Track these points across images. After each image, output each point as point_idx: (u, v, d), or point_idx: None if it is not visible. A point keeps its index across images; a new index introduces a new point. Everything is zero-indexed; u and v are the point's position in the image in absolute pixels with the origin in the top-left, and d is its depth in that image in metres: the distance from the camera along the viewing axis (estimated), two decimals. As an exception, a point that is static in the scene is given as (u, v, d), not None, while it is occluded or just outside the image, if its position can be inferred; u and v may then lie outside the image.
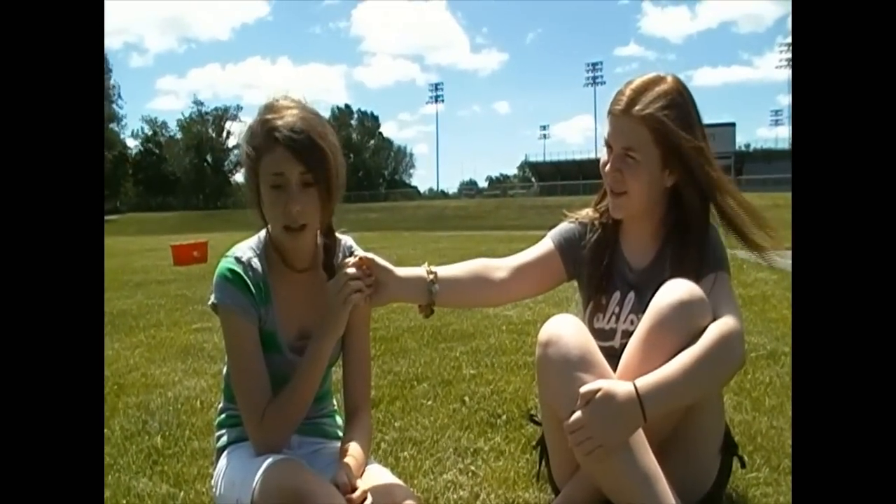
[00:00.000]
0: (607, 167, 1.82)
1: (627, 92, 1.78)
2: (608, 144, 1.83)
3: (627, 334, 1.79)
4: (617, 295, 1.90)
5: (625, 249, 1.93)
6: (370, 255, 1.73)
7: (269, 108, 1.68)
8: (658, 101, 1.75)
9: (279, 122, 1.62)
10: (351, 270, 1.67)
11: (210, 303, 1.72)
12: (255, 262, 1.72)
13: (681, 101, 1.79)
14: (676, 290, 1.66)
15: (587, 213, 1.99)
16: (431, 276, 1.79)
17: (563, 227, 2.00)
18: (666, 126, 1.74)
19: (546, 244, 1.98)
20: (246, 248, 1.74)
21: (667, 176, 1.80)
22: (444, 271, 1.84)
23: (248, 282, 1.69)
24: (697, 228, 1.81)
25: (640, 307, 1.81)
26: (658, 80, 1.79)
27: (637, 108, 1.75)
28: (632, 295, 1.88)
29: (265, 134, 1.63)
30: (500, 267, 1.92)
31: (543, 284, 1.99)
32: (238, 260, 1.71)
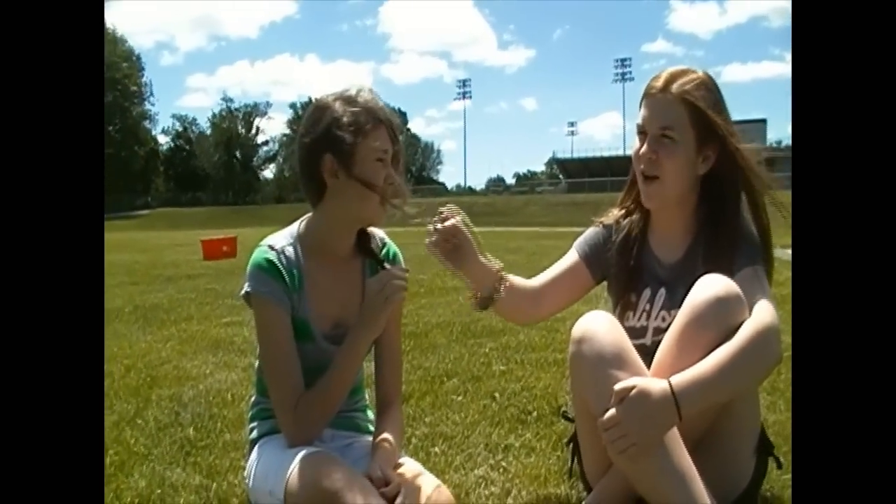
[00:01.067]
0: (641, 151, 1.80)
1: (663, 75, 1.81)
2: (642, 131, 1.81)
3: (659, 331, 1.77)
4: (647, 292, 1.88)
5: (653, 245, 1.92)
6: (462, 222, 1.88)
7: (359, 92, 1.74)
8: (693, 83, 1.78)
9: (381, 104, 1.73)
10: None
11: (243, 292, 1.73)
12: (289, 250, 1.75)
13: (714, 88, 1.81)
14: (712, 286, 1.63)
15: (613, 213, 1.98)
16: (503, 277, 1.93)
17: (588, 233, 2.02)
18: (702, 106, 1.75)
19: (572, 255, 2.01)
20: (279, 238, 1.77)
21: (700, 162, 1.79)
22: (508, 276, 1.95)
23: (282, 269, 1.71)
24: (731, 221, 1.79)
25: (672, 303, 1.79)
26: (690, 70, 1.82)
27: (674, 87, 1.77)
28: (662, 291, 1.86)
29: (369, 113, 1.70)
30: (532, 285, 2.01)
31: (574, 295, 2.04)
32: (271, 247, 1.74)
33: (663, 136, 1.77)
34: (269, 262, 1.71)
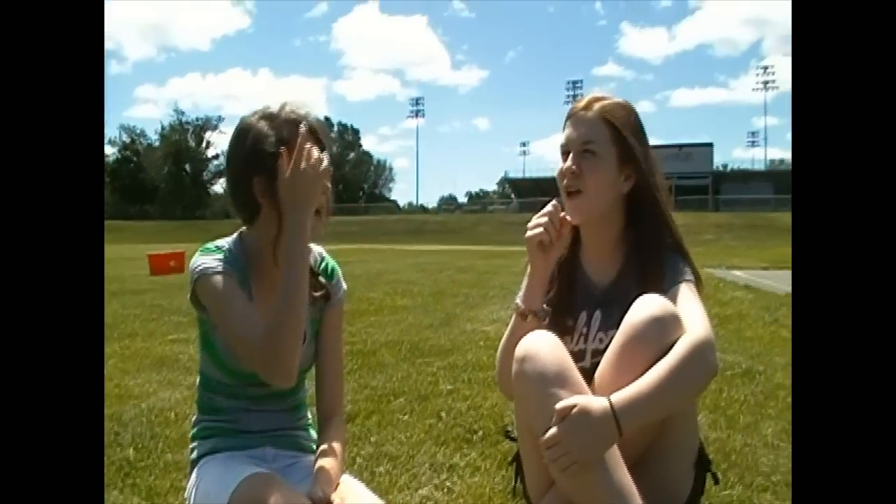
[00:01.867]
0: (564, 166, 1.86)
1: (586, 98, 1.90)
2: (565, 151, 1.87)
3: (597, 353, 1.80)
4: (583, 315, 1.91)
5: (586, 267, 1.95)
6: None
7: (282, 107, 1.71)
8: (616, 107, 1.86)
9: (304, 115, 1.69)
10: (550, 208, 1.79)
11: (190, 291, 1.69)
12: (234, 254, 1.72)
13: (634, 114, 1.89)
14: (649, 306, 1.67)
15: None
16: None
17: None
18: (622, 128, 1.83)
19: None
20: (221, 242, 1.75)
21: (623, 181, 1.85)
22: None
23: (229, 261, 1.69)
24: (657, 240, 1.85)
25: (607, 324, 1.82)
26: (613, 96, 1.90)
27: (596, 107, 1.85)
28: (598, 313, 1.89)
29: (291, 127, 1.65)
30: None
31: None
32: (218, 247, 1.71)
33: (585, 150, 1.83)
34: (216, 248, 1.70)
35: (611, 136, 1.82)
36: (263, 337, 1.58)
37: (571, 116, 1.88)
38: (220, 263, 1.67)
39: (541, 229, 1.82)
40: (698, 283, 1.84)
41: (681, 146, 70.37)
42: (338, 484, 1.67)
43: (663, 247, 1.85)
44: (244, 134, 1.69)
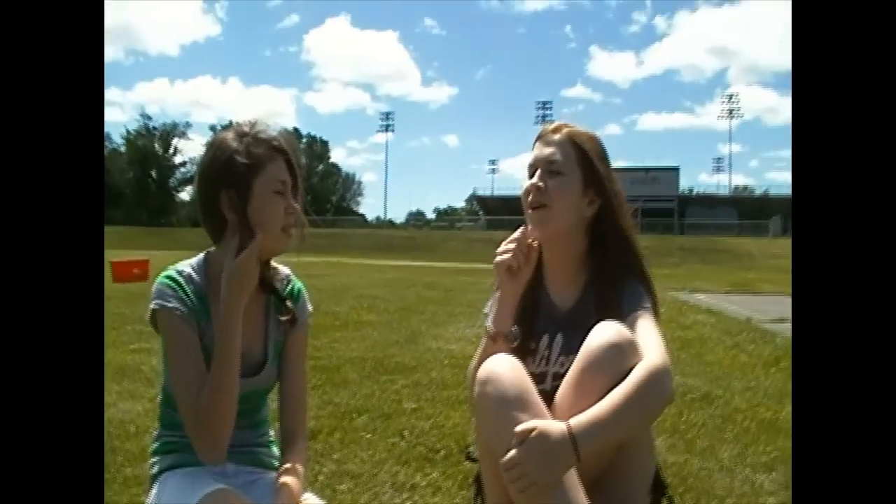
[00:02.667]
0: (530, 182, 1.91)
1: (555, 123, 1.96)
2: (532, 170, 1.93)
3: (558, 376, 1.83)
4: (545, 338, 1.95)
5: (549, 289, 1.99)
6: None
7: (253, 125, 1.74)
8: (584, 134, 1.93)
9: (275, 135, 1.74)
10: (518, 234, 1.85)
11: (149, 313, 1.69)
12: (196, 277, 1.73)
13: (601, 145, 1.96)
14: (606, 333, 1.71)
15: None
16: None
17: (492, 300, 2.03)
18: (588, 151, 1.90)
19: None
20: (185, 265, 1.76)
21: (586, 205, 1.90)
22: None
23: (188, 292, 1.70)
24: (618, 266, 1.89)
25: (569, 348, 1.85)
26: (578, 127, 1.96)
27: (565, 130, 1.92)
28: (559, 337, 1.93)
29: (267, 146, 1.71)
30: None
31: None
32: (179, 273, 1.72)
33: (552, 170, 1.89)
34: (176, 281, 1.70)
35: (577, 158, 1.88)
36: (196, 412, 1.62)
37: (540, 138, 1.94)
38: (178, 305, 1.67)
39: (509, 255, 1.86)
40: (656, 310, 1.88)
41: (647, 169, 71.23)
42: (299, 502, 1.68)
43: (625, 273, 1.89)
44: (215, 148, 1.72)
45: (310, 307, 1.87)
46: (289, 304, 1.80)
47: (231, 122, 1.80)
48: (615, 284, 1.87)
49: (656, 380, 1.65)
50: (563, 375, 1.78)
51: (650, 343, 1.73)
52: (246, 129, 1.74)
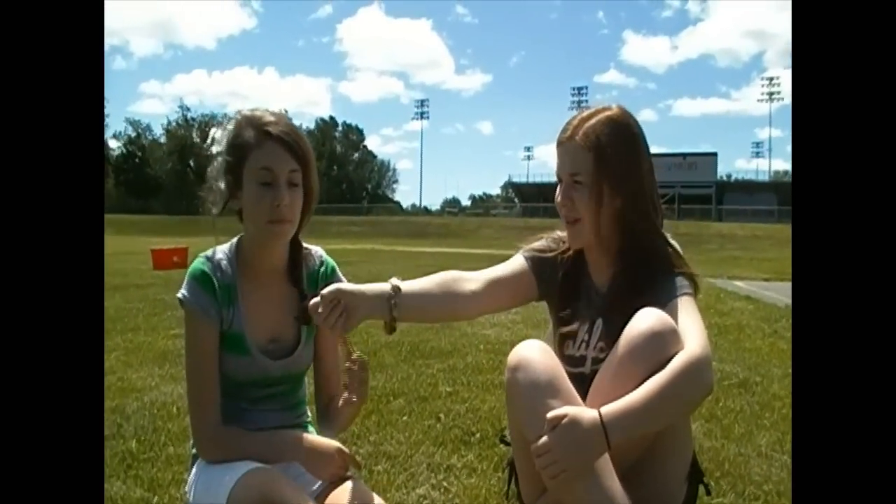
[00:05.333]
0: (558, 199, 1.89)
1: (574, 122, 1.87)
2: (559, 178, 1.89)
3: (597, 361, 1.83)
4: (586, 322, 1.94)
5: (592, 275, 1.97)
6: (334, 285, 1.73)
7: (252, 112, 1.75)
8: (600, 126, 1.83)
9: (269, 119, 1.71)
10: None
11: (177, 296, 1.75)
12: (225, 264, 1.76)
13: (625, 127, 1.86)
14: (647, 320, 1.69)
15: (559, 234, 2.03)
16: (393, 292, 1.79)
17: (537, 244, 2.03)
18: (605, 148, 1.81)
19: (518, 260, 2.00)
20: (219, 251, 1.79)
21: (613, 201, 1.85)
22: (410, 285, 1.84)
23: (215, 281, 1.73)
24: (651, 253, 1.86)
25: (609, 334, 1.84)
26: (604, 109, 1.88)
27: (579, 135, 1.83)
28: (600, 322, 1.91)
29: (256, 129, 1.69)
30: (471, 279, 1.93)
31: (515, 300, 2.01)
32: (208, 259, 1.76)
33: (574, 181, 1.85)
34: (204, 273, 1.73)
35: (594, 161, 1.82)
36: (224, 436, 1.72)
37: (558, 146, 1.89)
38: (199, 300, 1.71)
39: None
40: (696, 292, 1.86)
41: (685, 155, 70.37)
42: (343, 477, 1.72)
43: (658, 260, 1.86)
44: (224, 133, 1.76)
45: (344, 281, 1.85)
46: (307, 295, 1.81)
47: None
48: (650, 271, 1.85)
49: (695, 370, 1.63)
50: (602, 360, 1.77)
51: (691, 331, 1.71)
52: (250, 113, 1.74)
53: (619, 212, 1.86)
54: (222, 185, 1.74)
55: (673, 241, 1.90)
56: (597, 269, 1.96)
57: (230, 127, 1.75)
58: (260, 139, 1.68)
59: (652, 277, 1.83)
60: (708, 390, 1.67)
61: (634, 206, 1.86)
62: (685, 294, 1.81)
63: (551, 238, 2.03)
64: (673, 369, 1.62)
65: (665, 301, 1.78)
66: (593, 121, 1.84)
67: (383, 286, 1.80)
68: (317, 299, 1.70)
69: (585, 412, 1.59)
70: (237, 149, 1.70)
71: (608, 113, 1.86)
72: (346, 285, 1.75)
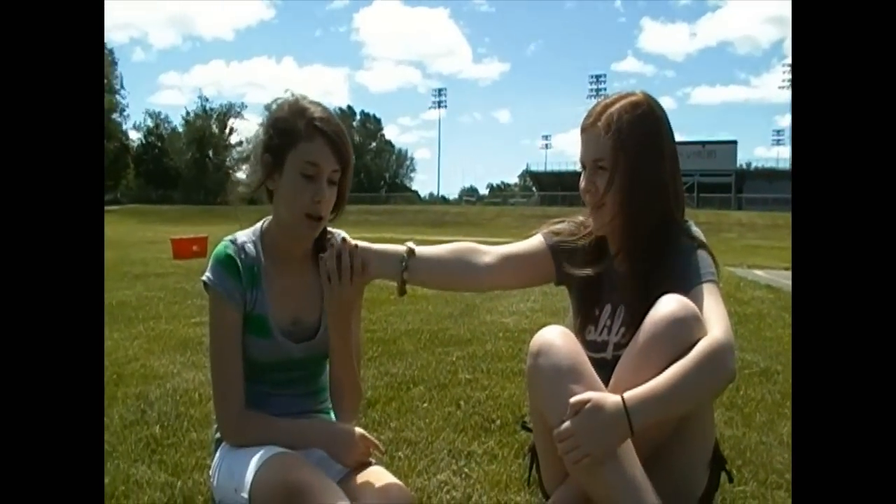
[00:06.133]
0: (582, 186, 1.87)
1: (597, 108, 1.87)
2: (582, 164, 1.88)
3: (619, 346, 1.82)
4: (608, 307, 1.93)
5: (615, 261, 1.96)
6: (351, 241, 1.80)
7: (297, 101, 1.76)
8: (623, 112, 1.82)
9: (319, 114, 1.72)
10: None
11: (202, 279, 1.77)
12: (250, 247, 1.79)
13: (648, 112, 1.85)
14: (670, 305, 1.68)
15: (581, 219, 2.02)
16: (406, 255, 1.84)
17: (558, 227, 2.02)
18: (625, 133, 1.80)
19: (538, 241, 2.00)
20: (243, 234, 1.82)
21: (636, 186, 1.83)
22: (425, 250, 1.89)
23: (239, 264, 1.75)
24: (675, 241, 1.85)
25: (631, 320, 1.84)
26: (627, 95, 1.87)
27: (602, 120, 1.82)
28: (622, 307, 1.91)
29: (306, 122, 1.71)
30: (487, 252, 1.95)
31: (529, 279, 2.02)
32: (233, 242, 1.78)
33: (598, 167, 1.84)
34: (229, 256, 1.75)
35: (617, 147, 1.80)
36: (246, 420, 1.74)
37: (582, 132, 1.88)
38: (224, 283, 1.74)
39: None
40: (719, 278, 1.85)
41: (704, 143, 69.78)
42: (365, 463, 1.73)
43: (679, 247, 1.84)
44: (272, 111, 1.77)
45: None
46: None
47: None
48: (677, 259, 1.83)
49: (718, 356, 1.62)
50: (624, 346, 1.77)
51: (714, 318, 1.70)
52: (302, 101, 1.76)
53: (641, 197, 1.85)
54: (261, 163, 1.74)
55: (696, 229, 1.89)
56: (619, 255, 1.95)
57: (279, 108, 1.76)
58: (311, 133, 1.70)
59: (674, 264, 1.82)
60: (731, 377, 1.66)
61: (657, 192, 1.84)
62: (709, 281, 1.79)
63: (573, 222, 2.01)
64: (696, 355, 1.61)
65: (688, 287, 1.76)
66: (616, 107, 1.83)
67: (398, 247, 1.86)
68: (330, 251, 1.75)
69: (608, 397, 1.59)
70: (286, 134, 1.71)
71: (631, 98, 1.85)
72: (360, 243, 1.81)
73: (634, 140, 1.81)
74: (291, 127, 1.71)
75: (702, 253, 1.84)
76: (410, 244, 1.86)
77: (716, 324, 1.68)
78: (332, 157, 1.71)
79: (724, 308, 1.75)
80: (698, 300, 1.73)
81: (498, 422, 2.99)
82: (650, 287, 1.79)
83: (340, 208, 1.80)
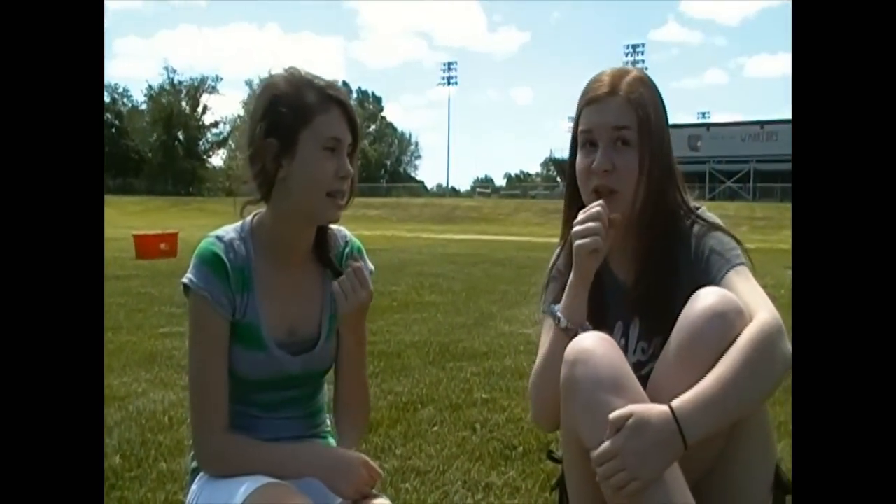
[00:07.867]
0: (595, 164, 1.82)
1: (606, 79, 1.86)
2: (589, 141, 1.85)
3: (641, 365, 1.81)
4: (619, 325, 1.92)
5: (613, 269, 1.95)
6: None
7: (294, 72, 1.76)
8: (639, 84, 1.84)
9: (327, 82, 1.74)
10: (598, 209, 1.75)
11: (182, 281, 1.76)
12: (238, 244, 1.77)
13: (656, 90, 1.89)
14: (708, 300, 1.66)
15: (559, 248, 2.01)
16: None
17: (551, 287, 1.99)
18: (648, 108, 1.82)
19: (548, 326, 1.94)
20: (230, 230, 1.80)
21: (653, 168, 1.84)
22: None
23: (228, 264, 1.74)
24: (686, 232, 1.84)
25: (650, 331, 1.83)
26: (628, 71, 1.89)
27: (623, 87, 1.82)
28: (636, 320, 1.90)
29: (317, 92, 1.71)
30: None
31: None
32: (219, 239, 1.77)
33: (619, 139, 1.81)
34: (216, 255, 1.74)
35: (640, 122, 1.81)
36: (230, 446, 1.73)
37: (594, 101, 1.85)
38: (209, 287, 1.73)
39: (596, 237, 1.75)
40: (751, 265, 1.83)
41: (763, 123, 69.22)
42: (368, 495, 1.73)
43: (703, 232, 1.84)
44: (264, 90, 1.76)
45: (371, 266, 1.87)
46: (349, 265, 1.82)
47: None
48: (695, 248, 1.82)
49: (768, 341, 1.59)
50: (645, 364, 1.76)
51: (755, 302, 1.68)
52: (301, 72, 1.75)
53: (654, 182, 1.84)
54: (265, 151, 1.72)
55: (709, 214, 1.87)
56: (619, 260, 1.93)
57: (271, 85, 1.76)
58: (325, 104, 1.71)
59: (691, 258, 1.81)
60: (787, 362, 1.60)
61: (669, 176, 1.85)
62: (739, 264, 1.78)
63: (558, 269, 1.99)
64: (743, 345, 1.59)
65: (712, 280, 1.76)
66: (630, 77, 1.84)
67: None
68: (342, 278, 1.75)
69: (654, 408, 1.57)
70: (295, 111, 1.70)
71: (636, 75, 1.87)
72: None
73: (655, 119, 1.82)
74: (300, 102, 1.71)
75: (720, 236, 1.83)
76: None
77: (758, 307, 1.67)
78: (348, 129, 1.73)
79: (762, 291, 1.73)
80: (732, 286, 1.71)
81: (520, 449, 3.00)
82: (665, 290, 1.78)
83: (353, 194, 1.80)
